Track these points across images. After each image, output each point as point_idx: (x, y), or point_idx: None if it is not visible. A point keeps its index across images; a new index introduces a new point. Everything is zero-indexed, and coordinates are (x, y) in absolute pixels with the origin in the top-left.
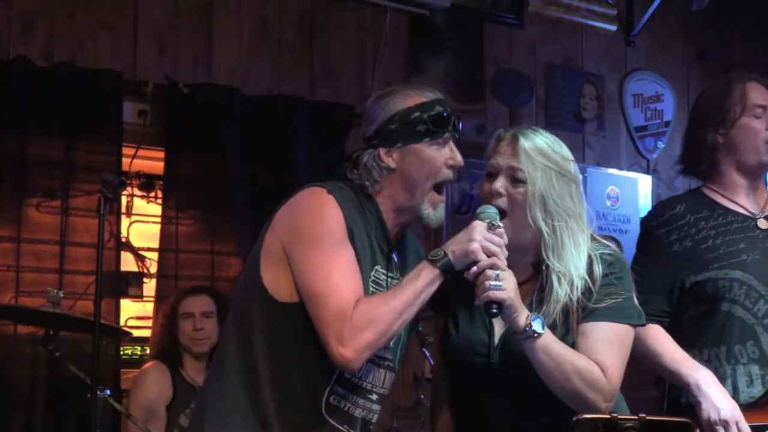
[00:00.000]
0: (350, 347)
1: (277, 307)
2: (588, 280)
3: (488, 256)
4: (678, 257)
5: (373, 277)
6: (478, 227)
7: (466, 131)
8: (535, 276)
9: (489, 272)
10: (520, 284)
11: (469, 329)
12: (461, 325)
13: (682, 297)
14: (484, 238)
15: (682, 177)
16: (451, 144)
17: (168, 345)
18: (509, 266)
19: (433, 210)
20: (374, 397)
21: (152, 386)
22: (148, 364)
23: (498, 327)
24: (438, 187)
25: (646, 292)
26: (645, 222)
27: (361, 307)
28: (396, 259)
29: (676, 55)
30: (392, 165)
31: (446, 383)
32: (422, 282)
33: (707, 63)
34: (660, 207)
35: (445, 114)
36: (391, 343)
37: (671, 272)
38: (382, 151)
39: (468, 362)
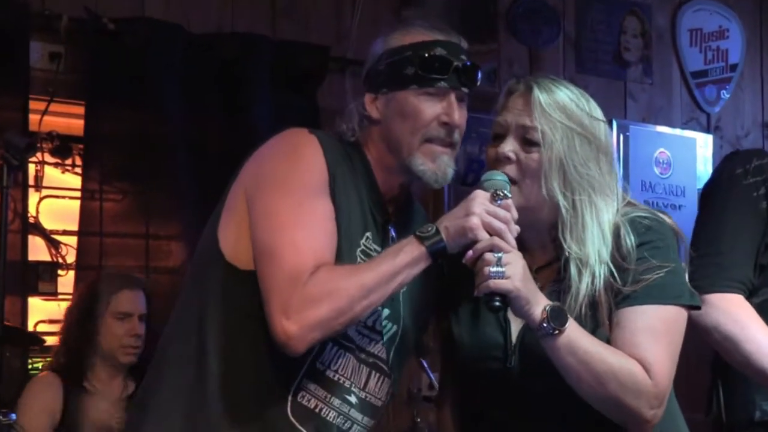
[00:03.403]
0: (296, 320)
1: (237, 276)
2: (614, 260)
3: (490, 235)
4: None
5: (362, 246)
6: (479, 198)
7: None
8: (558, 257)
9: (489, 255)
10: (541, 268)
11: (479, 328)
12: (469, 324)
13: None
14: (485, 212)
15: (754, 136)
16: (452, 98)
17: (76, 349)
18: (526, 244)
19: (432, 163)
20: (354, 399)
21: (34, 403)
22: (37, 376)
23: (515, 324)
24: (435, 141)
25: (726, 253)
26: (726, 170)
27: (321, 274)
28: (394, 234)
29: None
30: (375, 115)
31: (454, 392)
32: (403, 260)
33: None
34: (747, 153)
35: (439, 56)
36: (384, 336)
37: (759, 232)
38: (367, 97)
39: (480, 369)
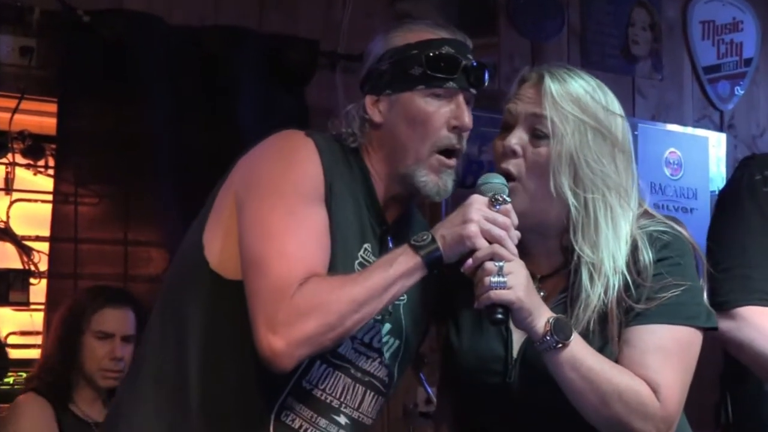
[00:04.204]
0: (283, 336)
1: (222, 286)
2: (630, 273)
3: (490, 243)
4: None
5: (361, 258)
6: (476, 204)
7: None
8: (566, 265)
9: (489, 265)
10: (548, 276)
11: (479, 340)
12: (468, 335)
13: None
14: (483, 218)
15: None
16: (460, 99)
17: (60, 371)
18: (532, 250)
19: (435, 176)
20: (343, 420)
21: (30, 428)
22: (22, 397)
23: (517, 336)
24: (444, 151)
25: (754, 266)
26: (745, 176)
27: (310, 286)
28: (392, 246)
29: None
30: (377, 119)
31: (452, 406)
32: (396, 270)
33: None
34: (764, 158)
35: (447, 55)
36: (386, 353)
37: None
38: (368, 99)
39: (479, 383)
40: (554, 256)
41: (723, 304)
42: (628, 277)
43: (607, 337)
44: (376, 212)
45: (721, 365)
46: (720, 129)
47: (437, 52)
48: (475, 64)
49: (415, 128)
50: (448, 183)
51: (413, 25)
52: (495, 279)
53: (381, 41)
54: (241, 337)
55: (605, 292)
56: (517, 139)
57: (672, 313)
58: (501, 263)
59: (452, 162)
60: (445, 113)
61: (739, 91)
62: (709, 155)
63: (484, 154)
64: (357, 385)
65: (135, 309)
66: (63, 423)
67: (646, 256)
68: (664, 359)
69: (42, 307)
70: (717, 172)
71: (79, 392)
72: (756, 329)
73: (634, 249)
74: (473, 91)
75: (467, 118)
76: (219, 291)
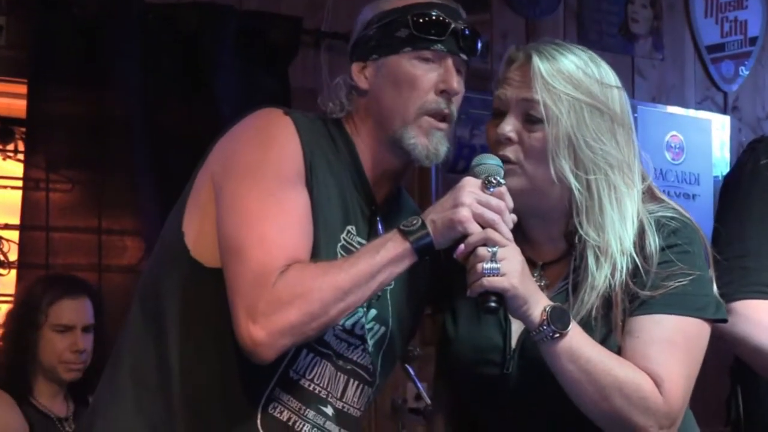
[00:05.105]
0: (263, 325)
1: (202, 274)
2: (638, 257)
3: (483, 227)
4: None
5: (343, 241)
6: (468, 186)
7: None
8: (569, 252)
9: (482, 250)
10: (550, 263)
11: (476, 329)
12: (466, 324)
13: None
14: (476, 202)
15: None
16: (449, 63)
17: (16, 363)
18: (533, 236)
19: (424, 138)
20: (330, 411)
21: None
22: None
23: (516, 326)
24: (434, 115)
25: (753, 255)
26: (750, 161)
27: (291, 274)
28: (381, 228)
29: None
30: (363, 84)
31: (447, 400)
32: (384, 257)
33: None
34: None
35: (436, 17)
36: (369, 341)
37: None
38: (354, 66)
39: (476, 374)
40: (557, 242)
41: (720, 296)
42: (637, 260)
43: (611, 324)
44: (365, 190)
45: (731, 358)
46: (723, 111)
47: (425, 13)
48: (465, 29)
49: (401, 92)
50: (439, 147)
51: None
52: (488, 265)
53: (369, 9)
54: (223, 328)
55: (612, 275)
56: (511, 126)
57: (679, 303)
58: (494, 249)
59: (443, 125)
60: (432, 77)
61: (744, 71)
62: (712, 139)
63: (475, 138)
64: (339, 374)
65: (91, 297)
66: (26, 416)
67: (653, 242)
68: (668, 351)
69: (11, 299)
70: (720, 156)
71: (38, 387)
72: (752, 324)
73: (641, 233)
74: (464, 57)
75: (456, 83)
76: (200, 280)
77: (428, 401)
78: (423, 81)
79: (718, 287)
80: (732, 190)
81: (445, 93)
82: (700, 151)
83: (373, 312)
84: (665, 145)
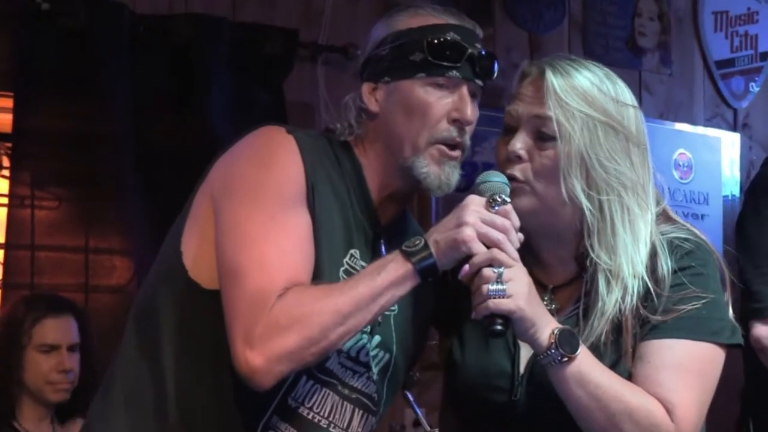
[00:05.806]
0: (261, 351)
1: (200, 296)
2: (650, 280)
3: (488, 247)
4: None
5: (346, 265)
6: (472, 205)
7: None
8: (580, 275)
9: (487, 271)
10: (561, 287)
11: (484, 354)
12: (473, 349)
13: None
14: (480, 221)
15: None
16: (463, 91)
17: (3, 388)
18: (544, 258)
19: (437, 167)
20: None
21: None
22: None
23: (525, 351)
24: (445, 144)
25: None
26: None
27: (290, 297)
28: (385, 252)
29: None
30: (374, 108)
31: (455, 426)
32: (385, 279)
33: None
34: None
35: (452, 41)
36: (374, 368)
37: None
38: (365, 87)
39: (483, 400)
40: (568, 264)
41: (762, 311)
42: (649, 284)
43: (621, 349)
44: (369, 212)
45: (742, 381)
46: (733, 129)
47: (440, 38)
48: (483, 53)
49: (413, 119)
50: (452, 177)
51: (419, 9)
52: (493, 287)
53: (383, 26)
54: (220, 352)
55: (623, 299)
56: (522, 143)
57: (692, 327)
58: (500, 269)
59: (455, 153)
60: (446, 104)
61: (755, 87)
62: (721, 157)
63: (477, 155)
64: (345, 403)
65: (76, 315)
66: None
67: (665, 264)
68: (681, 377)
69: None
70: (730, 175)
71: (23, 410)
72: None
73: (652, 255)
74: (479, 83)
75: (470, 111)
76: (197, 301)
77: (427, 428)
78: (436, 108)
79: (758, 301)
80: (750, 203)
81: (458, 122)
82: (709, 169)
83: (377, 338)
84: (673, 164)
